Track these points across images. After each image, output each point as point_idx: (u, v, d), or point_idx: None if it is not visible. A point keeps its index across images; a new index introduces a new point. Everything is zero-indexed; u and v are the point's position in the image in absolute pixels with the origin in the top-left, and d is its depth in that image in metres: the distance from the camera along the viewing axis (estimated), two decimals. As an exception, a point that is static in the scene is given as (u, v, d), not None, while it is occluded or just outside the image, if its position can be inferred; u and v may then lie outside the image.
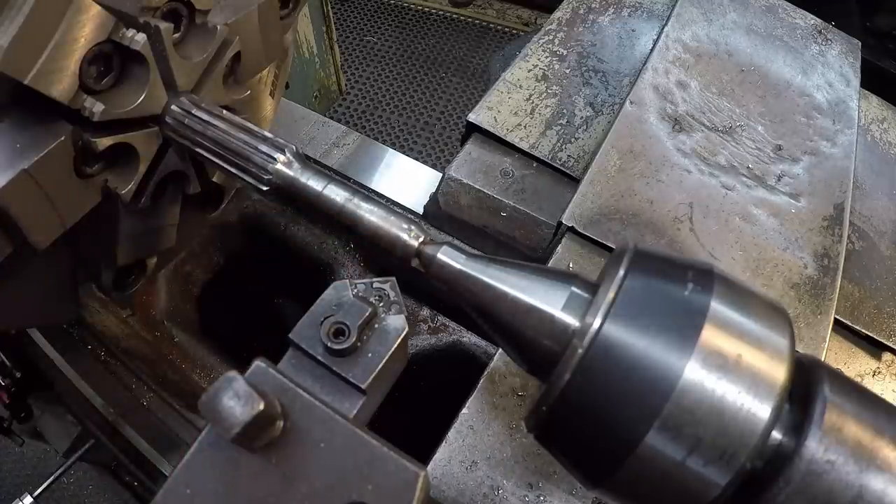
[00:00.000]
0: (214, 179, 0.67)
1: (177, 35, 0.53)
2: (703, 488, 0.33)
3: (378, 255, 0.44)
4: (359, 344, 0.38)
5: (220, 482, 0.32)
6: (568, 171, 0.83)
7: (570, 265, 0.69)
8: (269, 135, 0.50)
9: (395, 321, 0.40)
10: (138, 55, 0.49)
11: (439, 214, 0.84)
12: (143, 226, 0.63)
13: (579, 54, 0.95)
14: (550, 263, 0.70)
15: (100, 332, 0.86)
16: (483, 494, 0.56)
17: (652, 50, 0.89)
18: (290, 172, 0.48)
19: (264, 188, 0.49)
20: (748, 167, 0.79)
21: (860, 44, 1.02)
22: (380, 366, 0.38)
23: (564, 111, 0.89)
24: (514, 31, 3.02)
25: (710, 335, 0.33)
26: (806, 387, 0.35)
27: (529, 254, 0.81)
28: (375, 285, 0.41)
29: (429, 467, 0.55)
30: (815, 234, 0.75)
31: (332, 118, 1.24)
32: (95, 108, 0.48)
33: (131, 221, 0.61)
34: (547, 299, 0.38)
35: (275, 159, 0.49)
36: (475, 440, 0.58)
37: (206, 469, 0.32)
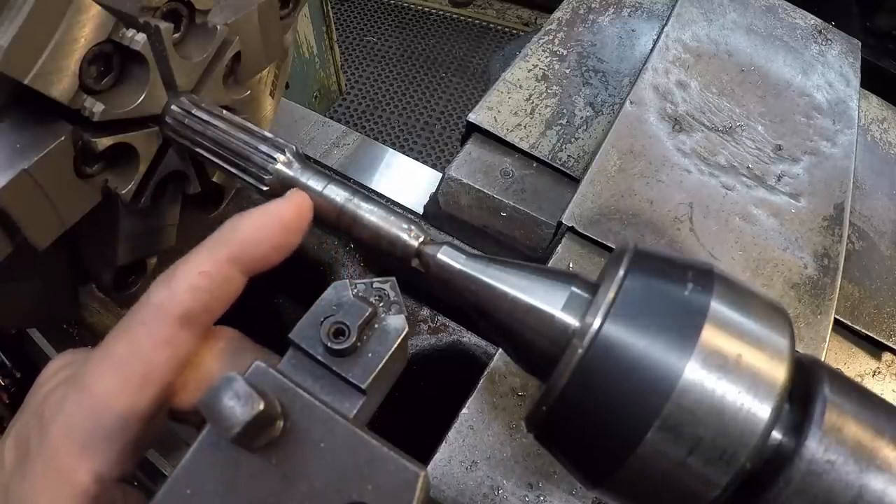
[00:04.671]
0: (214, 179, 0.67)
1: (177, 35, 0.53)
2: (703, 488, 0.33)
3: (378, 255, 0.44)
4: (359, 344, 0.38)
5: (220, 482, 0.32)
6: (568, 171, 0.83)
7: (570, 265, 0.69)
8: (269, 135, 0.50)
9: (395, 321, 0.40)
10: (138, 55, 0.49)
11: (439, 214, 0.84)
12: (143, 226, 0.63)
13: (579, 54, 0.95)
14: (550, 263, 0.70)
15: (100, 332, 0.86)
16: (483, 494, 0.56)
17: (652, 50, 0.89)
18: (290, 172, 0.48)
19: (264, 188, 0.49)
20: (748, 167, 0.80)
21: (860, 44, 1.02)
22: (380, 366, 0.38)
23: (564, 111, 0.89)
24: (514, 31, 3.02)
25: (710, 335, 0.33)
26: (806, 387, 0.35)
27: (529, 254, 0.81)
28: (375, 285, 0.41)
29: (429, 467, 0.55)
30: (815, 234, 0.75)
31: (332, 118, 1.24)
32: (95, 108, 0.48)
33: (131, 221, 0.61)
34: (547, 299, 0.38)
35: (275, 159, 0.49)
36: (475, 440, 0.58)
37: (206, 469, 0.32)
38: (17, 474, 0.36)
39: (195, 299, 0.38)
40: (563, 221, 0.71)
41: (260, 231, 0.41)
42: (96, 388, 0.36)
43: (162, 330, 0.37)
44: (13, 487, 0.35)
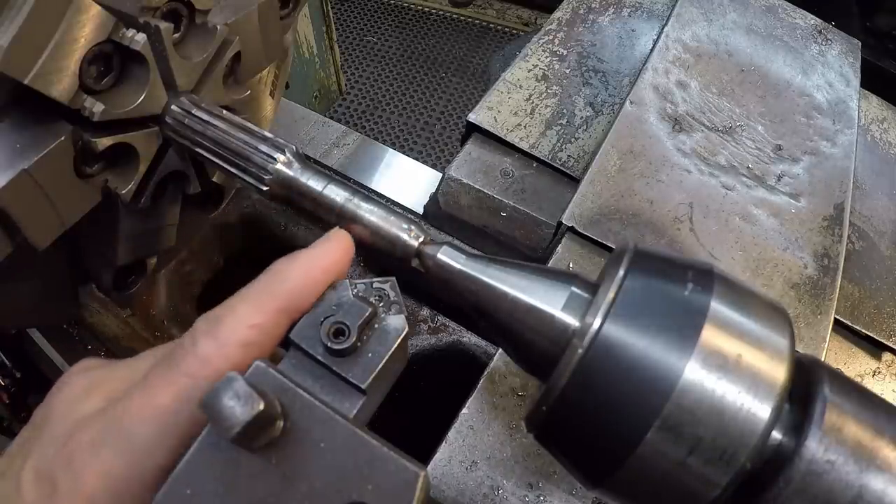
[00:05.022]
0: (214, 179, 0.67)
1: (177, 35, 0.53)
2: (703, 488, 0.33)
3: (378, 255, 0.44)
4: (359, 344, 0.38)
5: (220, 482, 0.32)
6: (568, 171, 0.83)
7: (570, 265, 0.69)
8: (269, 135, 0.50)
9: (395, 321, 0.40)
10: (138, 55, 0.49)
11: (439, 214, 0.84)
12: (143, 226, 0.63)
13: (579, 54, 0.95)
14: (550, 263, 0.70)
15: (100, 332, 0.86)
16: (483, 494, 0.56)
17: (652, 50, 0.89)
18: (290, 172, 0.48)
19: (264, 188, 0.49)
20: (748, 167, 0.80)
21: (860, 44, 1.02)
22: (380, 366, 0.38)
23: (564, 111, 0.89)
24: (514, 31, 3.02)
25: (710, 335, 0.33)
26: (806, 387, 0.35)
27: (529, 254, 0.81)
28: (375, 285, 0.41)
29: (429, 467, 0.55)
30: (815, 234, 0.75)
31: (332, 118, 1.24)
32: (95, 108, 0.48)
33: (131, 221, 0.61)
34: (547, 299, 0.38)
35: (275, 159, 0.49)
36: (475, 440, 0.58)
37: (206, 469, 0.32)
38: None
39: (245, 354, 0.36)
40: (563, 221, 0.71)
41: (308, 279, 0.39)
42: (139, 440, 0.35)
43: (208, 385, 0.35)
44: None
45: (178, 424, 0.35)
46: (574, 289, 0.38)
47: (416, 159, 1.02)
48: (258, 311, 0.37)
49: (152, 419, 0.35)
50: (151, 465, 0.35)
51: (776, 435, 0.33)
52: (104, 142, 0.51)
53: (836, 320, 0.73)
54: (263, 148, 0.49)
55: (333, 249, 0.42)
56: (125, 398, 0.36)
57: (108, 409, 0.37)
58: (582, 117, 0.88)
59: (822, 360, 0.65)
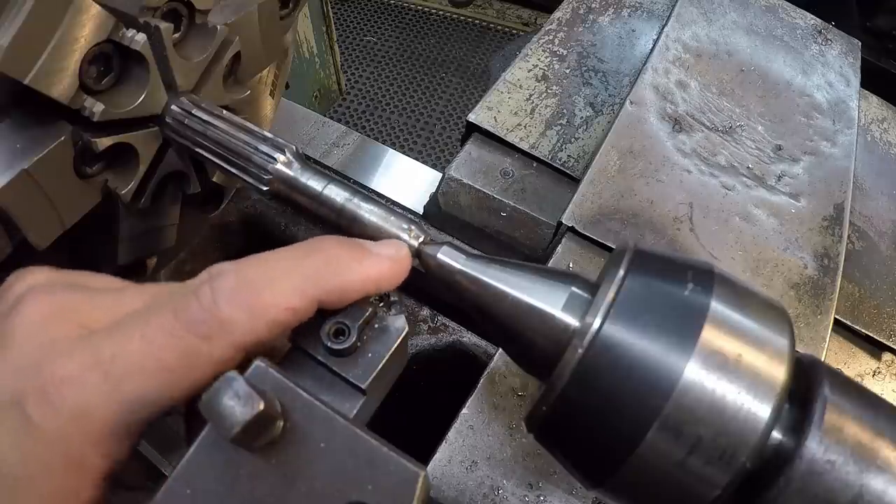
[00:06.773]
0: (214, 179, 0.67)
1: (177, 35, 0.53)
2: (703, 488, 0.33)
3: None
4: (359, 344, 0.38)
5: (220, 482, 0.32)
6: (568, 171, 0.83)
7: (570, 265, 0.69)
8: (269, 135, 0.50)
9: (395, 321, 0.40)
10: (138, 55, 0.49)
11: (439, 214, 0.84)
12: (143, 226, 0.63)
13: (579, 54, 0.95)
14: (550, 263, 0.70)
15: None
16: (483, 494, 0.56)
17: (652, 50, 0.89)
18: (290, 172, 0.48)
19: (264, 188, 0.49)
20: (748, 167, 0.80)
21: (860, 44, 1.02)
22: (380, 366, 0.38)
23: (564, 111, 0.89)
24: (514, 31, 3.03)
25: (711, 335, 0.33)
26: (806, 387, 0.35)
27: (529, 254, 0.81)
28: (375, 285, 0.41)
29: (429, 467, 0.55)
30: (815, 234, 0.75)
31: (332, 118, 1.24)
32: (95, 108, 0.48)
33: (131, 221, 0.61)
34: (547, 299, 0.38)
35: (275, 159, 0.49)
36: (475, 440, 0.58)
37: (206, 469, 0.32)
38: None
39: (271, 334, 0.34)
40: (563, 221, 0.71)
41: (362, 287, 0.38)
42: (132, 393, 0.32)
43: (224, 352, 0.33)
44: None
45: (178, 385, 0.33)
46: (574, 289, 0.38)
47: (416, 159, 1.02)
48: (300, 295, 0.35)
49: (151, 374, 0.32)
50: (136, 420, 0.32)
51: (776, 435, 0.33)
52: (104, 142, 0.51)
53: (836, 320, 0.73)
54: (263, 148, 0.49)
55: (396, 270, 0.40)
56: (115, 337, 0.33)
57: (89, 342, 0.33)
58: (582, 117, 0.88)
59: (822, 360, 0.65)
